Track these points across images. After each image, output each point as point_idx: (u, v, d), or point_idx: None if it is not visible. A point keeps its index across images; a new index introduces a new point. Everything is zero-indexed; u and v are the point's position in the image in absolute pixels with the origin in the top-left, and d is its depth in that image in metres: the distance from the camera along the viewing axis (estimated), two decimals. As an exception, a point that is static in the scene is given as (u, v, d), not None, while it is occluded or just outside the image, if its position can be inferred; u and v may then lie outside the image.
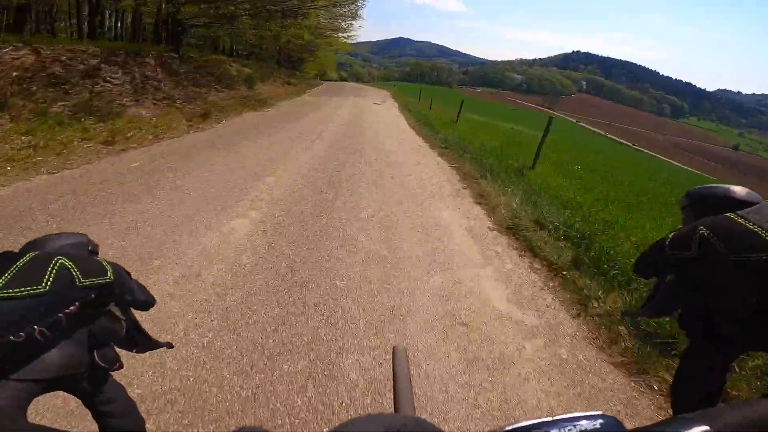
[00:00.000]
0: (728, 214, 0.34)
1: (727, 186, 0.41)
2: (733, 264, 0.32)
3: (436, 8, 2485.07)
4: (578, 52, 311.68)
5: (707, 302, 0.39)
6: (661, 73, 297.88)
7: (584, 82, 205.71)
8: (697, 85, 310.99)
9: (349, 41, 32.57)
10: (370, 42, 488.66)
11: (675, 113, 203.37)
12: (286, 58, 30.20)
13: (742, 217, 0.33)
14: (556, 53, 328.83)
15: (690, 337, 0.43)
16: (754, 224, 0.31)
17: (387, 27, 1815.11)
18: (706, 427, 0.23)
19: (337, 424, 0.26)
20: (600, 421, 0.23)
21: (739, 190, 0.40)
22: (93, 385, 0.38)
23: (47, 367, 0.32)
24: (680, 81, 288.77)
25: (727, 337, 0.38)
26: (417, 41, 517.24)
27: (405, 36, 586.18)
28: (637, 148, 52.26)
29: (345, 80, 69.33)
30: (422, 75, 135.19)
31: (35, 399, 0.32)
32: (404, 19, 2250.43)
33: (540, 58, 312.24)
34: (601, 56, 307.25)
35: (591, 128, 73.52)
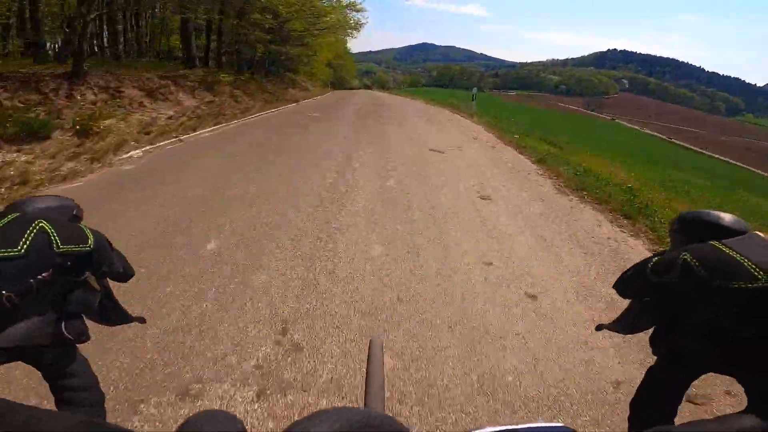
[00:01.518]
0: (713, 242, 0.34)
1: (717, 213, 0.41)
2: (711, 290, 0.32)
3: (457, 13, 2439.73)
4: (614, 50, 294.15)
5: (676, 318, 0.40)
6: (706, 69, 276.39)
7: (626, 81, 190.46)
8: (747, 81, 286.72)
9: (354, 11, 21.45)
10: (393, 49, 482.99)
11: (730, 111, 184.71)
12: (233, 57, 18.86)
13: (726, 246, 0.33)
14: (589, 53, 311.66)
15: (656, 355, 0.43)
16: (736, 253, 0.32)
17: (409, 34, 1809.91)
18: None
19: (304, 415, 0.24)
20: None
21: (728, 218, 0.40)
22: (57, 358, 0.36)
23: (10, 336, 0.30)
24: (728, 77, 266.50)
25: (690, 355, 0.38)
26: (441, 46, 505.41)
27: (429, 42, 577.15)
28: (746, 167, 41.24)
29: (369, 88, 60.20)
30: (451, 80, 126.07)
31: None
32: (427, 26, 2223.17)
33: (572, 58, 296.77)
34: (640, 53, 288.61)
35: (657, 134, 62.22)
